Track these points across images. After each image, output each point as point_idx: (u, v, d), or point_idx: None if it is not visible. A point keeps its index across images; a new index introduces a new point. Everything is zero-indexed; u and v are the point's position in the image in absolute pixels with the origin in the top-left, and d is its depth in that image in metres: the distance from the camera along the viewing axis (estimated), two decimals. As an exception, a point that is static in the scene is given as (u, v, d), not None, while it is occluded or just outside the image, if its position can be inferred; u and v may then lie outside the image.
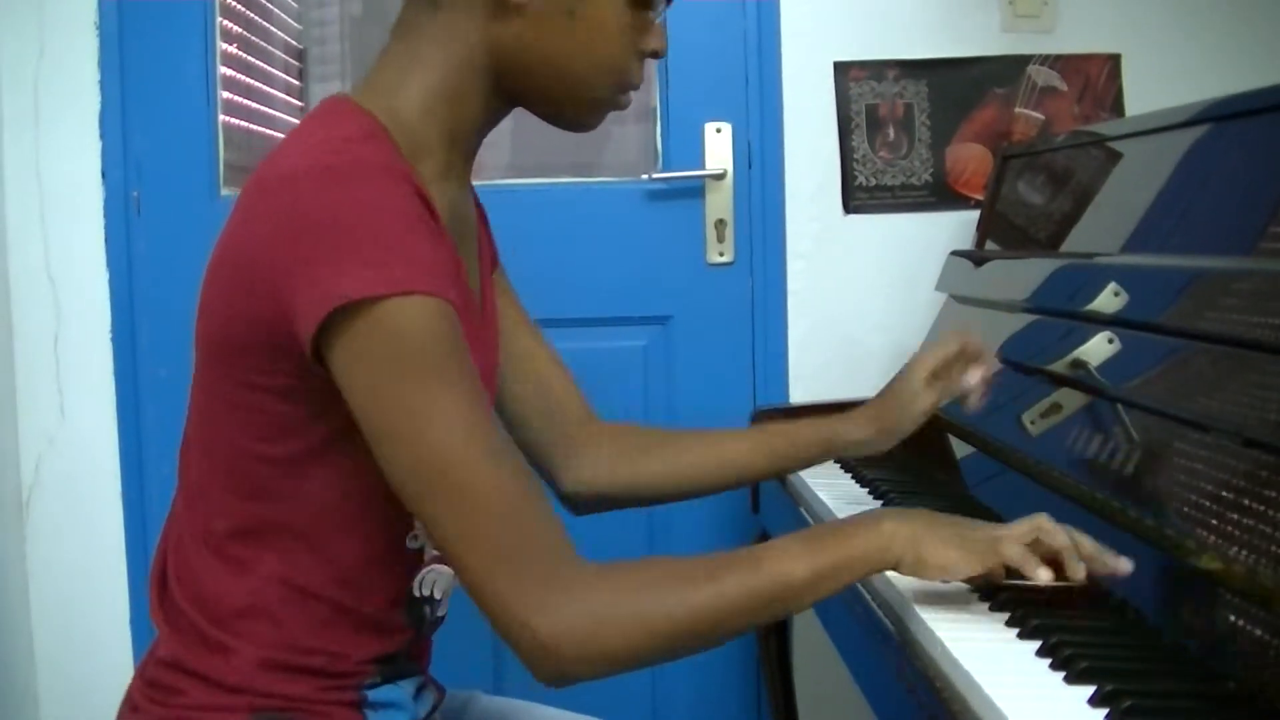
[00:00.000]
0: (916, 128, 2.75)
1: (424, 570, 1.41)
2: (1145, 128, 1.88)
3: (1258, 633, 1.11)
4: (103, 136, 2.67)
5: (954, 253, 2.45)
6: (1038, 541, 1.31)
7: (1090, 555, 1.30)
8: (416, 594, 1.41)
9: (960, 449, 2.02)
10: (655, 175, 2.74)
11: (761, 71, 2.74)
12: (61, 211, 2.67)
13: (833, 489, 1.97)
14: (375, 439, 1.20)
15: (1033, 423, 1.73)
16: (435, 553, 1.40)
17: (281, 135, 3.02)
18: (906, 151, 2.76)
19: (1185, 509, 1.28)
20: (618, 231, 2.74)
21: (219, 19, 2.72)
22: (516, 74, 1.38)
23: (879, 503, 1.92)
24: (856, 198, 2.76)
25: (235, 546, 1.34)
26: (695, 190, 2.75)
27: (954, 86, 2.75)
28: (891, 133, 2.75)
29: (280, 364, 1.24)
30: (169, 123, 2.68)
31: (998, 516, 1.74)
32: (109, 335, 2.69)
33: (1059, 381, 1.71)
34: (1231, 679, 1.11)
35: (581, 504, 1.74)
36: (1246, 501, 1.19)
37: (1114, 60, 2.77)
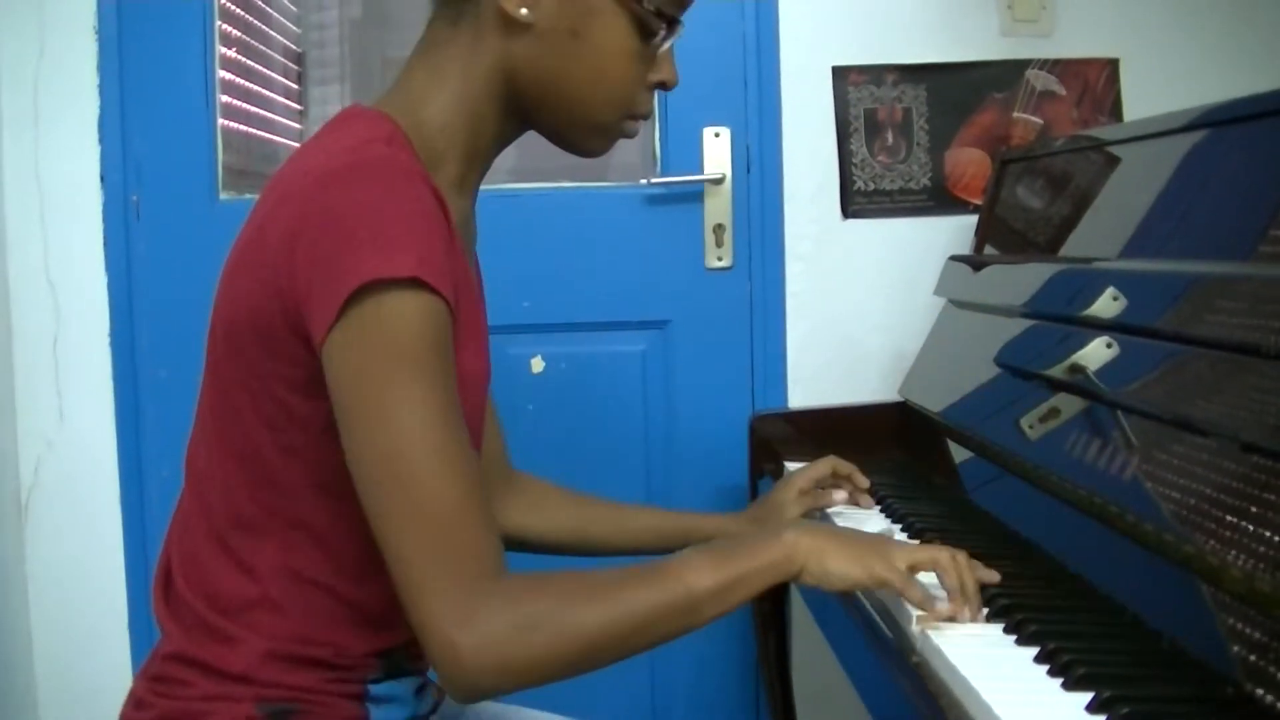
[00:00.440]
0: (915, 132, 2.76)
1: None
2: (1144, 132, 1.88)
3: (1256, 637, 1.11)
4: (102, 140, 2.67)
5: (952, 257, 2.45)
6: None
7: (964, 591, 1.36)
8: None
9: (959, 453, 2.02)
10: (654, 180, 2.74)
11: (760, 75, 2.74)
12: (61, 214, 2.67)
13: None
14: (344, 420, 1.22)
15: (1031, 427, 1.73)
16: None
17: (280, 139, 3.04)
18: (905, 156, 2.76)
19: (1183, 513, 1.28)
20: (617, 236, 2.75)
21: (218, 22, 2.72)
22: (526, 93, 1.42)
23: (876, 508, 1.92)
24: (855, 202, 2.76)
25: (241, 538, 1.36)
26: (694, 194, 2.75)
27: (952, 91, 2.75)
28: (890, 137, 2.75)
29: (295, 354, 1.27)
30: (168, 126, 2.69)
31: (996, 521, 1.74)
32: (108, 338, 2.69)
33: (1057, 386, 1.71)
34: (1230, 684, 1.11)
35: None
36: (1245, 506, 1.19)
37: (1112, 65, 2.77)
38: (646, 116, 1.48)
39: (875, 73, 2.74)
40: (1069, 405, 1.66)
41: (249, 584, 1.36)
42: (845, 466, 1.89)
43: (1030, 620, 1.31)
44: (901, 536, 1.76)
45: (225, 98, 2.75)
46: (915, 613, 1.34)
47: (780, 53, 2.74)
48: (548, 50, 1.39)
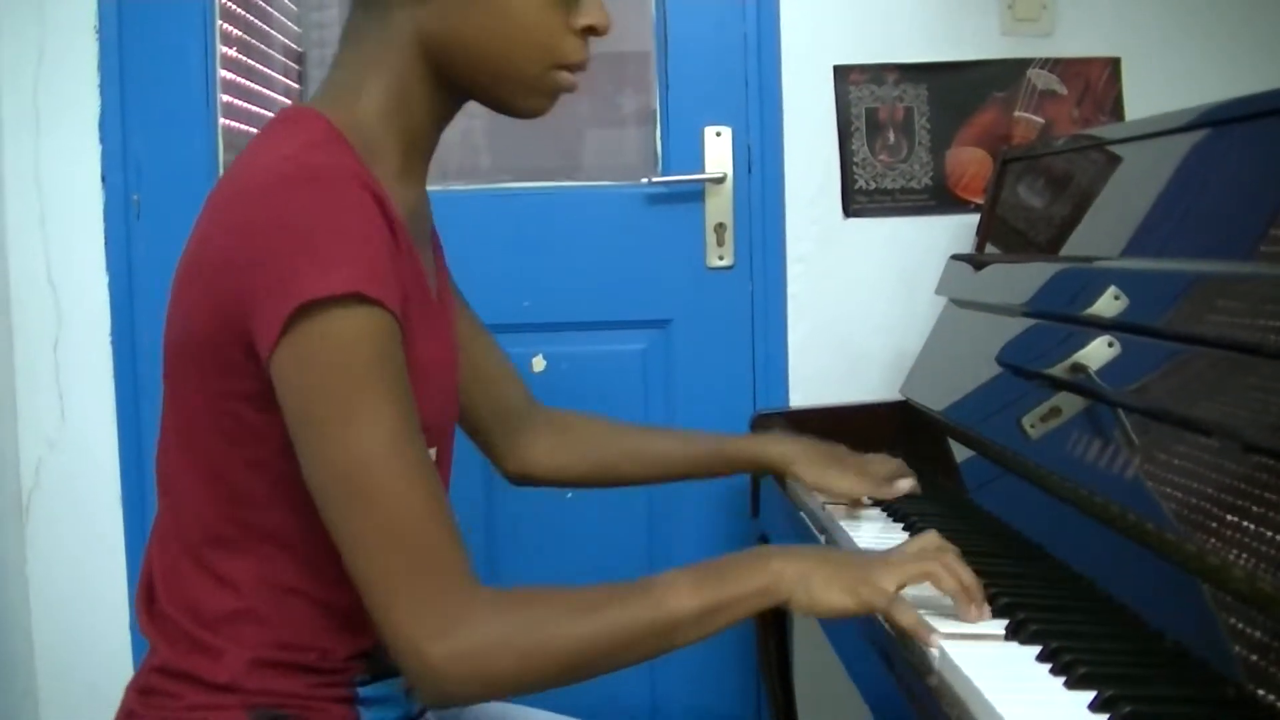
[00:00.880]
0: (916, 131, 2.75)
1: None
2: (1145, 131, 1.88)
3: (1258, 637, 1.10)
4: (103, 140, 2.67)
5: (954, 256, 2.45)
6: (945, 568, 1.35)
7: (966, 591, 1.35)
8: None
9: (960, 453, 2.02)
10: (655, 179, 2.74)
11: (761, 75, 2.74)
12: (61, 215, 2.67)
13: (838, 505, 1.97)
14: (299, 439, 1.22)
15: (1032, 426, 1.73)
16: None
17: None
18: (906, 155, 2.76)
19: (1185, 513, 1.28)
20: (617, 235, 2.74)
21: (218, 22, 2.72)
22: (447, 61, 1.38)
23: (877, 506, 1.91)
24: (856, 201, 2.76)
25: (215, 554, 1.36)
26: (695, 194, 2.75)
27: (954, 90, 2.75)
28: (891, 136, 2.75)
29: (246, 370, 1.26)
30: (169, 126, 2.68)
31: (997, 520, 1.74)
32: (109, 338, 2.69)
33: (1059, 385, 1.71)
34: (1232, 683, 1.10)
35: (521, 482, 1.87)
36: (1247, 505, 1.19)
37: (1114, 64, 2.77)
38: (580, 66, 1.42)
39: (876, 72, 2.74)
40: (1070, 404, 1.66)
41: (228, 597, 1.35)
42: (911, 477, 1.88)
43: (1032, 619, 1.31)
44: (904, 536, 1.76)
45: (226, 97, 2.75)
46: (941, 642, 1.29)
47: (781, 52, 2.74)
48: (453, 12, 1.35)
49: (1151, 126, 1.85)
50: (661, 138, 2.76)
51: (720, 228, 2.74)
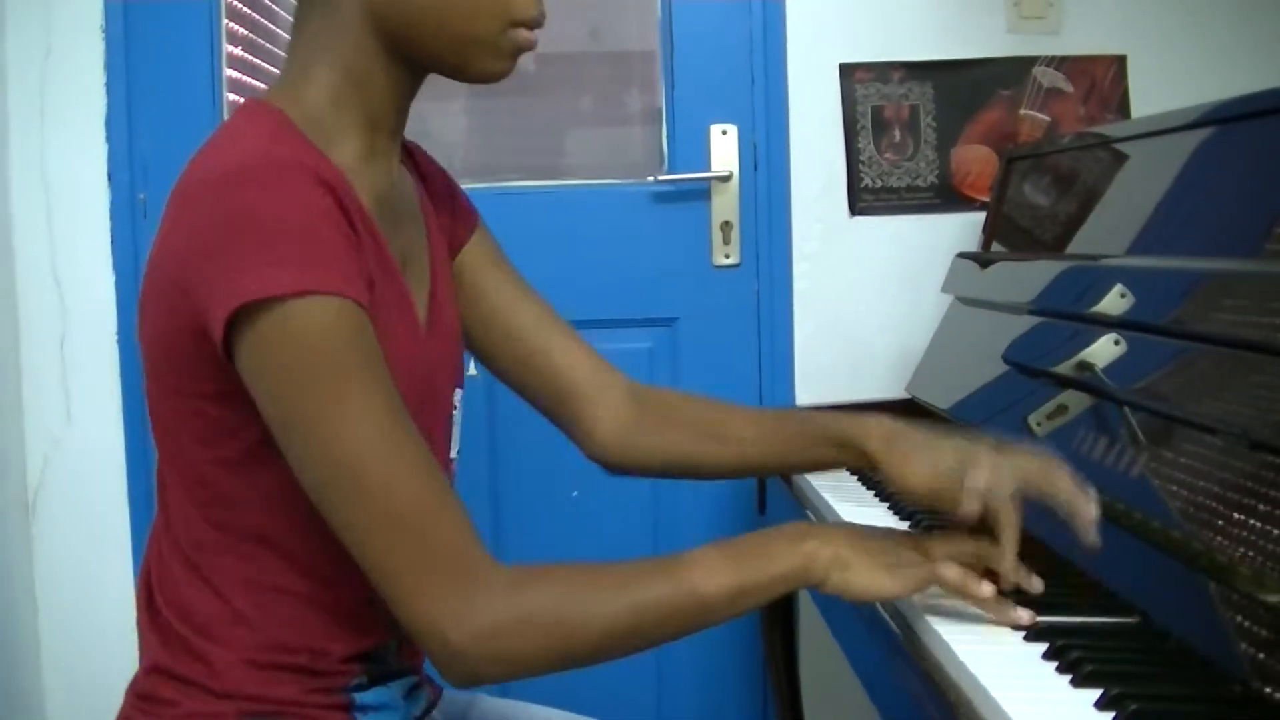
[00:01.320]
0: (922, 129, 2.75)
1: None
2: (1151, 129, 1.88)
3: (1264, 635, 1.10)
4: (109, 138, 2.67)
5: (960, 254, 2.45)
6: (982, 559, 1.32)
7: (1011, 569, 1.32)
8: None
9: (966, 451, 2.02)
10: (661, 177, 2.74)
11: (767, 73, 2.74)
12: (67, 213, 2.67)
13: (838, 490, 1.97)
14: (284, 442, 1.20)
15: (1039, 424, 1.73)
16: None
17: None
18: (912, 153, 2.75)
19: (1191, 511, 1.27)
20: (623, 233, 2.75)
21: (224, 21, 2.72)
22: (399, 34, 1.34)
23: (885, 505, 1.91)
24: (862, 199, 2.76)
25: (200, 555, 1.34)
26: (701, 192, 2.75)
27: (959, 88, 2.75)
28: (897, 134, 2.75)
29: (207, 368, 1.24)
30: (175, 124, 2.69)
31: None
32: (115, 337, 2.70)
33: (1065, 383, 1.70)
34: (1238, 681, 1.10)
35: (610, 468, 1.69)
36: (1253, 503, 1.19)
37: (1120, 61, 2.76)
38: (537, 22, 1.37)
39: (882, 70, 2.74)
40: (1076, 402, 1.66)
41: (216, 600, 1.34)
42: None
43: (1037, 617, 1.31)
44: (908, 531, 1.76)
45: (232, 95, 2.75)
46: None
47: (787, 50, 2.74)
48: None
49: (1157, 124, 1.85)
50: (667, 136, 2.76)
51: (726, 226, 2.74)
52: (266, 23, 3.05)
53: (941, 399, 2.17)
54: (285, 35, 3.11)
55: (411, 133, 1.48)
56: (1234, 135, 1.62)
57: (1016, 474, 1.33)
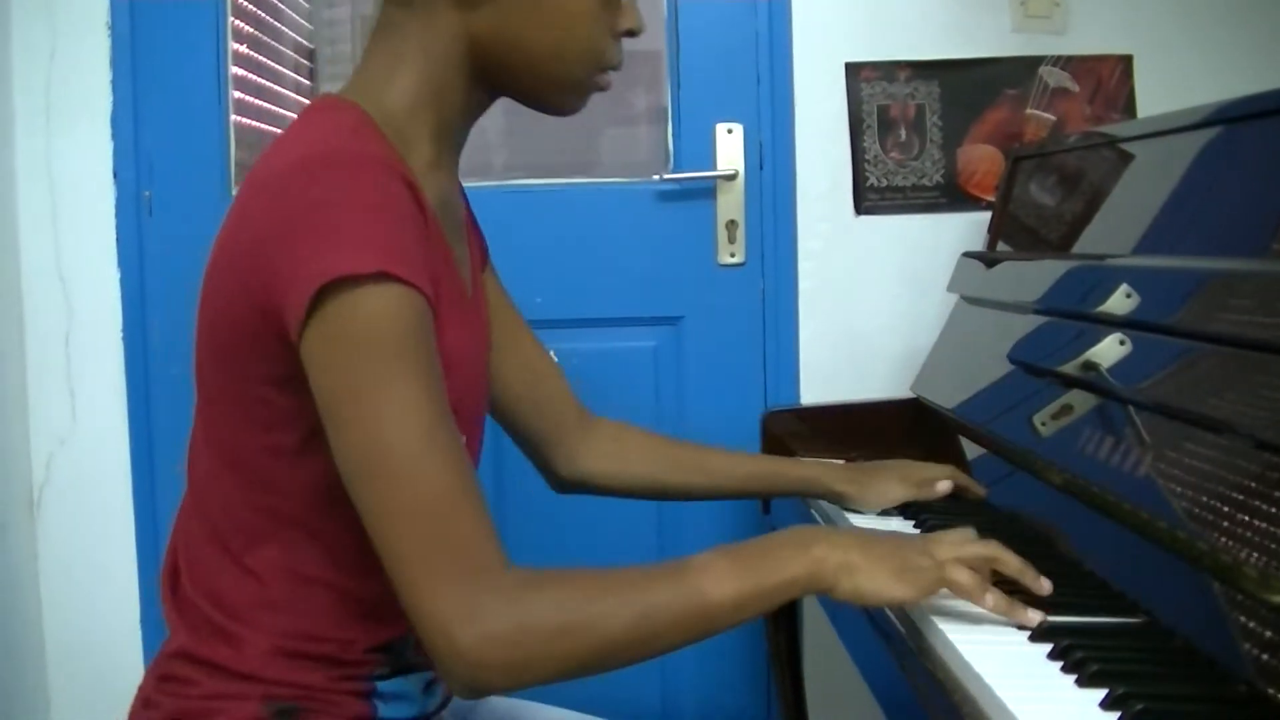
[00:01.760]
0: (928, 129, 2.75)
1: None
2: (1157, 129, 1.87)
3: (1269, 634, 1.10)
4: (114, 136, 2.68)
5: (965, 254, 2.44)
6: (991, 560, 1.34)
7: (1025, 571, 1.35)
8: None
9: (971, 450, 2.02)
10: (666, 176, 2.74)
11: (773, 72, 2.74)
12: (73, 211, 2.67)
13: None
14: (328, 419, 1.20)
15: (1044, 424, 1.73)
16: None
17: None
18: (918, 152, 2.75)
19: (1197, 511, 1.27)
20: (629, 232, 2.75)
21: (230, 19, 2.72)
22: (494, 64, 1.39)
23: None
24: (868, 199, 2.76)
25: (240, 541, 1.36)
26: (706, 191, 2.75)
27: (965, 87, 2.75)
28: (903, 134, 2.75)
29: (274, 353, 1.25)
30: (180, 122, 2.69)
31: (1008, 518, 1.74)
32: (120, 334, 2.70)
33: (1070, 383, 1.70)
34: (1244, 682, 1.10)
35: (569, 489, 1.87)
36: (1258, 504, 1.19)
37: (1126, 61, 2.76)
38: (618, 67, 1.44)
39: (888, 69, 2.74)
40: (1082, 402, 1.66)
41: (251, 585, 1.35)
42: (963, 478, 1.89)
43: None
44: (914, 532, 1.76)
45: (237, 94, 2.76)
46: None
47: (793, 49, 2.74)
48: (511, 18, 1.36)
49: (1163, 124, 1.85)
50: (673, 135, 2.76)
51: (731, 225, 2.74)
52: (272, 21, 3.05)
53: (947, 398, 2.17)
54: (290, 33, 3.13)
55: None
56: (1240, 135, 1.62)
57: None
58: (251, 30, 2.89)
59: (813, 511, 1.95)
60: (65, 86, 2.66)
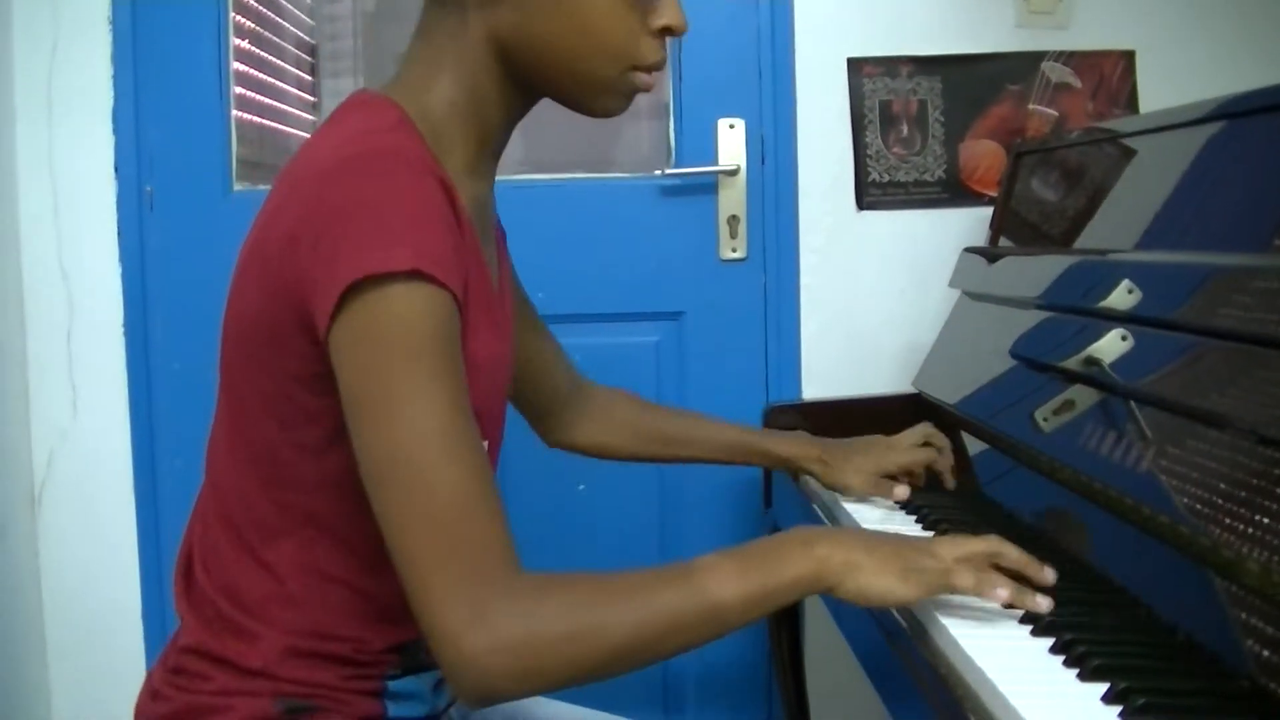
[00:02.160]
0: (930, 124, 2.75)
1: None
2: (1160, 124, 1.87)
3: (1271, 630, 1.10)
4: (116, 131, 2.67)
5: (967, 249, 2.44)
6: (994, 555, 1.34)
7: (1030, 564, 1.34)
8: None
9: (973, 445, 2.02)
10: (668, 171, 2.74)
11: (775, 67, 2.74)
12: (74, 206, 2.67)
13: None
14: (352, 417, 1.20)
15: (1045, 419, 1.72)
16: None
17: (293, 130, 3.04)
18: (920, 148, 2.75)
19: (1199, 506, 1.27)
20: (630, 227, 2.74)
21: (232, 14, 2.72)
22: (522, 62, 1.39)
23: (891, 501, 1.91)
24: (870, 194, 2.75)
25: (259, 537, 1.36)
26: (708, 186, 2.74)
27: (968, 83, 2.75)
28: (905, 129, 2.75)
29: (302, 350, 1.26)
30: (182, 118, 2.69)
31: (1010, 513, 1.74)
32: (121, 330, 2.70)
33: (1072, 378, 1.70)
34: (1245, 676, 1.10)
35: (561, 448, 2.01)
36: (1260, 499, 1.19)
37: (1128, 57, 2.76)
38: (657, 66, 1.42)
39: (890, 65, 2.74)
40: (1084, 397, 1.66)
41: (268, 581, 1.35)
42: (940, 439, 1.97)
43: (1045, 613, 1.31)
44: (916, 528, 1.76)
45: (239, 89, 2.76)
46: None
47: (795, 44, 2.74)
48: (532, 18, 1.35)
49: (1166, 119, 1.85)
50: (675, 130, 2.76)
51: (733, 220, 2.74)
52: (274, 16, 3.05)
53: (949, 394, 2.17)
54: (292, 29, 3.12)
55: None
56: (1243, 130, 1.62)
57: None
58: (253, 26, 2.89)
59: (814, 506, 1.94)
60: (67, 81, 2.66)
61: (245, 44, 2.82)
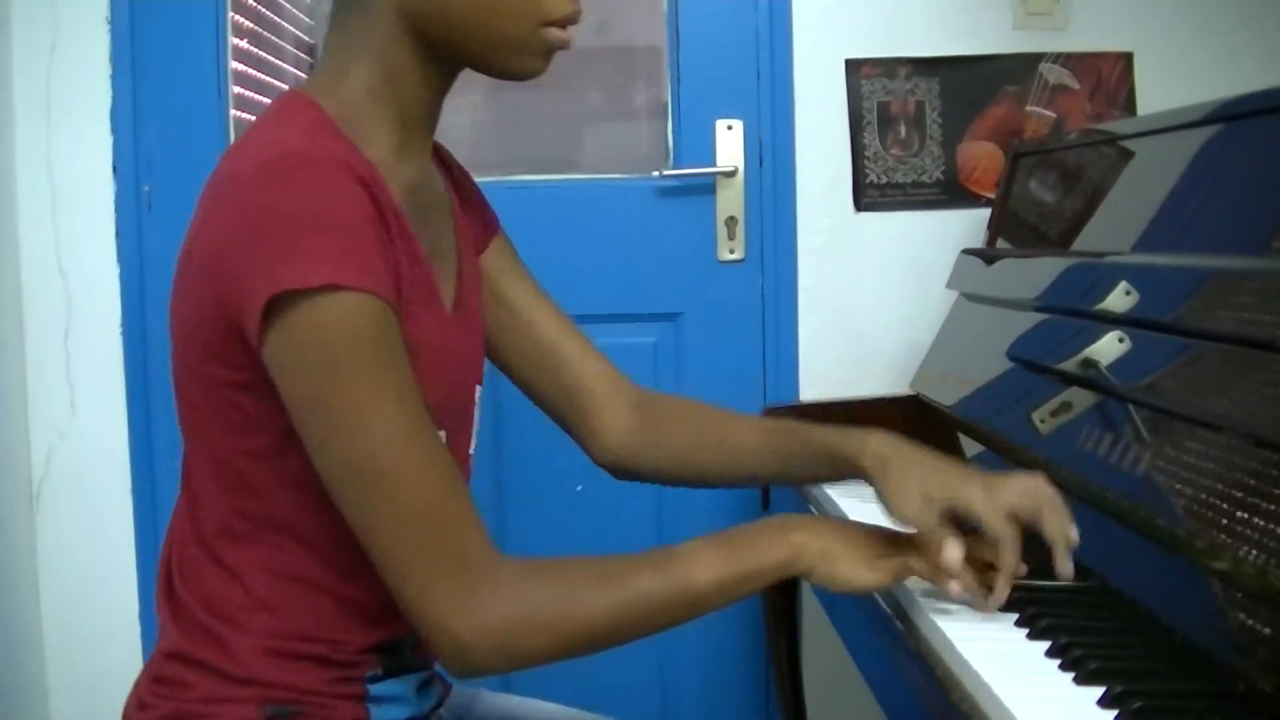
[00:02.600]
0: (928, 125, 2.75)
1: None
2: (1157, 126, 1.87)
3: (1268, 632, 1.10)
4: (114, 131, 2.67)
5: (965, 251, 2.44)
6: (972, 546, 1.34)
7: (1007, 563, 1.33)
8: None
9: (970, 447, 2.02)
10: (666, 172, 2.74)
11: (773, 68, 2.74)
12: (73, 206, 2.67)
13: (843, 486, 1.97)
14: (304, 433, 1.22)
15: (1043, 421, 1.73)
16: None
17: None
18: (918, 149, 2.75)
19: (1196, 508, 1.27)
20: (629, 228, 2.74)
21: (230, 14, 2.72)
22: (434, 35, 1.36)
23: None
24: (868, 195, 2.75)
25: (224, 544, 1.36)
26: (706, 187, 2.74)
27: (966, 84, 2.75)
28: (903, 130, 2.75)
29: (239, 358, 1.25)
30: (180, 117, 2.69)
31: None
32: (119, 329, 2.70)
33: (1069, 380, 1.70)
34: (1242, 679, 1.10)
35: (618, 474, 1.72)
36: (1257, 501, 1.19)
37: (1126, 58, 2.76)
38: (570, 20, 1.38)
39: (888, 66, 2.74)
40: (1081, 399, 1.66)
41: (239, 588, 1.35)
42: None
43: (1042, 615, 1.31)
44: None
45: (237, 88, 2.76)
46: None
47: (793, 45, 2.73)
48: None
49: (1164, 121, 1.85)
50: (673, 131, 2.76)
51: (731, 221, 2.74)
52: (273, 16, 3.05)
53: (946, 395, 2.17)
54: (290, 28, 3.13)
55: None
56: (1240, 133, 1.62)
57: (1004, 507, 1.32)
58: (251, 25, 2.89)
59: (810, 508, 1.95)
60: (65, 82, 2.66)
61: (244, 44, 2.82)
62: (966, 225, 2.72)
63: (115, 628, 2.72)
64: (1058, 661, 1.21)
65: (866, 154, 2.75)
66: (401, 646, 1.42)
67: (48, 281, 2.68)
